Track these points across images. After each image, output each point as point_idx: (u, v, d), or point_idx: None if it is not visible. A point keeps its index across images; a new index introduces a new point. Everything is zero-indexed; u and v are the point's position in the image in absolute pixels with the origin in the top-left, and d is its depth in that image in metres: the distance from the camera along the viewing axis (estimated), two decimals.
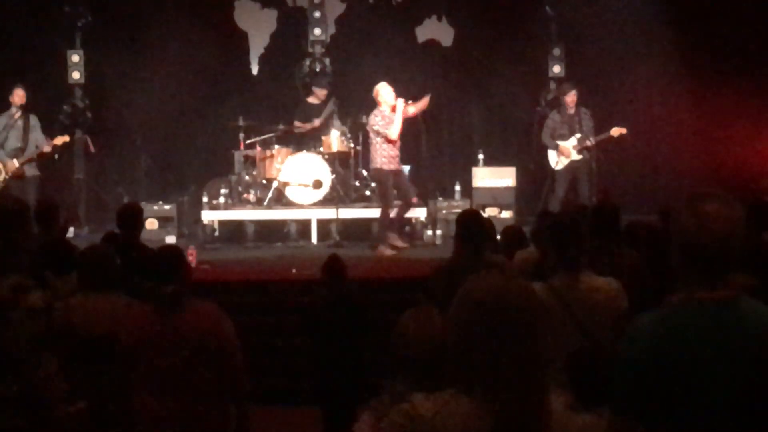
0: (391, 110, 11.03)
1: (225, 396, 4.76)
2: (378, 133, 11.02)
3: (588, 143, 12.07)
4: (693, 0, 13.60)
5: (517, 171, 13.33)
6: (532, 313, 2.53)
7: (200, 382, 4.62)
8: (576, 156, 12.18)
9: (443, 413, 2.48)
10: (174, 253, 4.90)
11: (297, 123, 13.10)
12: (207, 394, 4.64)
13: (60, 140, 11.58)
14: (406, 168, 13.39)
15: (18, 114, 11.51)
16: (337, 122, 12.95)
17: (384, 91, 11.10)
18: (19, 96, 11.53)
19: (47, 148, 11.44)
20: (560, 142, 12.23)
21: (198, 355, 4.61)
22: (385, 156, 11.07)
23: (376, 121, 11.05)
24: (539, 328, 2.53)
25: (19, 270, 3.88)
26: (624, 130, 12.05)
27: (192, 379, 4.59)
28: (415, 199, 11.68)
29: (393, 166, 11.15)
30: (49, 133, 11.86)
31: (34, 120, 11.63)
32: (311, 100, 13.25)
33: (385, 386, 3.45)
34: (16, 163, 11.36)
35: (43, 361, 3.66)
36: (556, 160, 12.34)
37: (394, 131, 10.96)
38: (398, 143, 11.12)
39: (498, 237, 7.21)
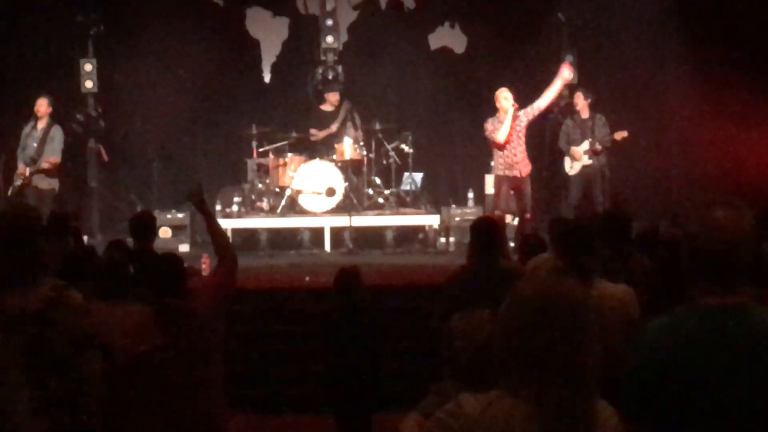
0: (505, 114, 10.71)
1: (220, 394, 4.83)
2: (487, 139, 10.86)
3: (597, 147, 12.08)
4: (706, 4, 13.54)
5: (530, 178, 13.26)
6: (582, 316, 2.52)
7: (197, 382, 4.67)
8: (587, 161, 12.17)
9: (489, 413, 2.48)
10: (171, 261, 4.94)
11: (312, 131, 13.12)
12: (204, 395, 4.70)
13: (53, 159, 11.52)
14: (419, 175, 13.40)
15: (39, 123, 11.51)
16: (356, 119, 12.94)
17: (501, 96, 10.82)
18: (37, 106, 11.54)
19: (45, 165, 11.41)
20: (573, 147, 12.24)
21: (194, 357, 4.67)
22: (501, 162, 10.83)
23: (486, 126, 10.84)
24: (588, 331, 2.52)
25: (47, 275, 3.86)
26: (625, 133, 12.06)
27: (188, 381, 4.64)
28: (528, 215, 11.05)
29: (510, 173, 10.79)
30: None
31: (55, 132, 11.53)
32: (324, 107, 13.28)
33: (433, 387, 3.49)
34: (27, 171, 11.40)
35: (86, 360, 3.65)
36: (570, 165, 12.36)
37: (501, 135, 10.63)
38: (518, 148, 10.78)
39: (512, 244, 7.20)
